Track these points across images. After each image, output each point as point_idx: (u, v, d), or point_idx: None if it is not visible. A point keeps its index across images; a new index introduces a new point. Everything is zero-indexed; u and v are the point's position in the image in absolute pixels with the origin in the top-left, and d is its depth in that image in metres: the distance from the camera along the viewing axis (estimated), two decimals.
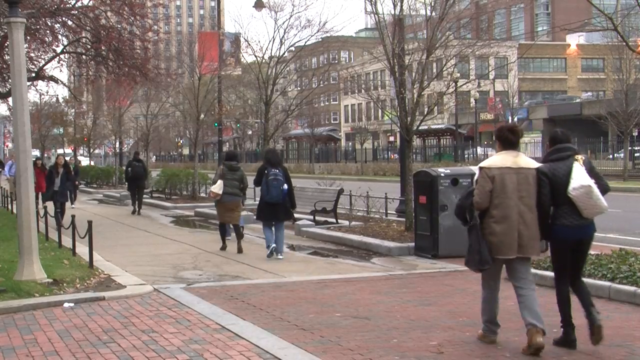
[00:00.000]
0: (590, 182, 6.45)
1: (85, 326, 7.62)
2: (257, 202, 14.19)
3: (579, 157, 6.63)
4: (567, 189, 6.47)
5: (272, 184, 12.74)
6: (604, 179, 6.74)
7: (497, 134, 6.96)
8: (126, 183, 25.15)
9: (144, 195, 24.16)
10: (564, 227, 6.56)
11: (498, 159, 6.73)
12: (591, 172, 6.57)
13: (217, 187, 13.92)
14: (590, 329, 6.48)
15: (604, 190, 6.57)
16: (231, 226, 14.36)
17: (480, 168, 6.78)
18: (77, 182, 25.95)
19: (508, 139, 6.79)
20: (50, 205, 18.90)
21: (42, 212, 15.64)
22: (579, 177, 6.46)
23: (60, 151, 62.35)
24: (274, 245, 12.74)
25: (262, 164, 13.57)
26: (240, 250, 13.47)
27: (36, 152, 57.46)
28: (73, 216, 13.09)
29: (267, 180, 12.78)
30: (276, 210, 12.87)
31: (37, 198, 24.23)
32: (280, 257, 12.72)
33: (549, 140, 6.94)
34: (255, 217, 14.08)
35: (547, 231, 6.66)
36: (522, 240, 6.59)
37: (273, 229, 12.94)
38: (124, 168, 26.62)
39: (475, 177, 6.86)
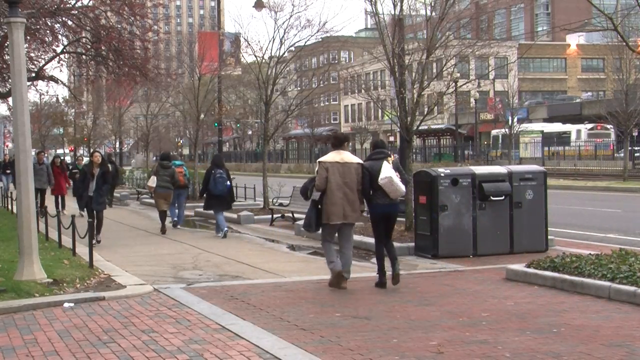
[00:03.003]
0: (392, 174, 9.42)
1: (85, 326, 7.62)
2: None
3: (390, 158, 9.68)
4: (378, 179, 9.44)
5: (219, 180, 16.20)
6: (406, 175, 9.98)
7: (331, 139, 10.20)
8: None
9: (146, 196, 24.83)
10: (378, 205, 9.71)
11: (330, 156, 9.80)
12: (397, 169, 9.68)
13: (152, 182, 17.46)
14: (392, 275, 9.57)
15: (406, 181, 9.88)
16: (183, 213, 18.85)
17: (319, 162, 9.77)
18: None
19: (335, 143, 9.95)
20: (67, 208, 18.67)
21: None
22: (385, 171, 9.42)
23: (60, 151, 62.29)
24: (226, 229, 16.11)
25: (209, 166, 17.15)
26: (163, 232, 16.91)
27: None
28: (73, 216, 13.09)
29: (215, 178, 16.23)
30: (221, 201, 16.46)
31: (57, 201, 22.35)
32: (226, 230, 16.22)
33: (372, 145, 10.23)
34: (203, 208, 17.69)
35: (368, 205, 9.80)
36: (345, 212, 9.60)
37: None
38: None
39: (316, 169, 9.73)
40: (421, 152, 61.45)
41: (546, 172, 13.76)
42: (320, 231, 10.07)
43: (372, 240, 13.71)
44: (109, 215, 22.09)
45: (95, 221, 14.39)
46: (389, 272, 9.71)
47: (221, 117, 30.27)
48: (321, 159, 9.88)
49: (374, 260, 12.45)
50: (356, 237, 14.21)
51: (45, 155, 25.74)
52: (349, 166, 9.66)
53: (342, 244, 9.93)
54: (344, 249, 9.87)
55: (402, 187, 9.56)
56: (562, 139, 53.77)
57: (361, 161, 9.92)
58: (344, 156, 9.77)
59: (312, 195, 9.75)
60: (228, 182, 16.58)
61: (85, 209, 14.98)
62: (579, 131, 55.73)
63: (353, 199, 9.63)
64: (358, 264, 12.21)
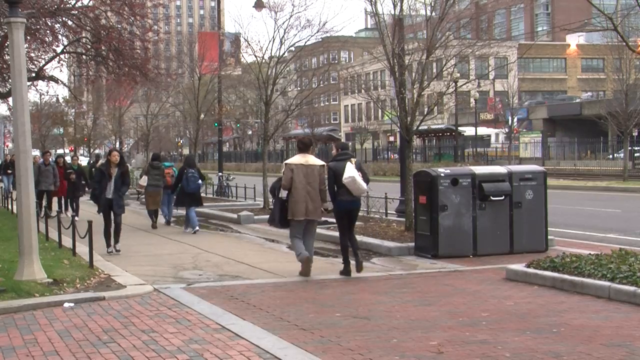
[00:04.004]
0: (355, 174, 10.47)
1: (85, 326, 7.63)
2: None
3: (352, 159, 10.73)
4: (342, 178, 10.47)
5: (191, 179, 17.13)
6: (367, 174, 10.96)
7: (298, 143, 11.19)
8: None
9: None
10: (342, 201, 10.68)
11: (295, 158, 10.83)
12: (360, 169, 10.71)
13: (143, 181, 18.73)
14: (356, 264, 10.65)
15: (367, 180, 10.76)
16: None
17: (285, 164, 10.78)
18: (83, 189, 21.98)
19: (300, 147, 10.99)
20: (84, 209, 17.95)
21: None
22: (348, 171, 10.47)
23: (60, 151, 62.25)
24: (197, 228, 17.13)
25: (181, 166, 18.08)
26: (154, 227, 18.25)
27: (36, 152, 57.41)
28: (73, 216, 13.09)
29: (187, 177, 17.16)
30: (194, 199, 17.40)
31: (60, 203, 21.33)
32: (197, 229, 17.16)
33: (337, 147, 11.31)
34: (174, 204, 18.58)
35: (333, 202, 10.73)
36: (308, 209, 10.57)
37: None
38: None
39: (283, 170, 10.72)
40: (421, 152, 61.38)
41: (546, 172, 13.77)
42: (286, 228, 11.16)
43: (372, 240, 13.88)
44: None
45: (114, 226, 13.57)
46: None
47: (221, 117, 30.26)
48: (287, 161, 10.99)
49: (374, 260, 12.61)
50: (356, 237, 14.27)
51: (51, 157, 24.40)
52: (312, 168, 10.71)
53: (306, 236, 10.84)
54: (307, 240, 10.82)
55: (364, 185, 10.66)
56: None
57: (324, 163, 10.95)
58: (309, 159, 10.82)
59: (280, 194, 10.76)
60: (200, 181, 17.74)
61: (102, 213, 13.67)
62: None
63: (315, 197, 10.65)
64: None
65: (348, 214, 10.85)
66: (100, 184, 13.65)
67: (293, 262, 12.39)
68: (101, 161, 17.55)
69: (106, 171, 13.62)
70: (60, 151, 61.02)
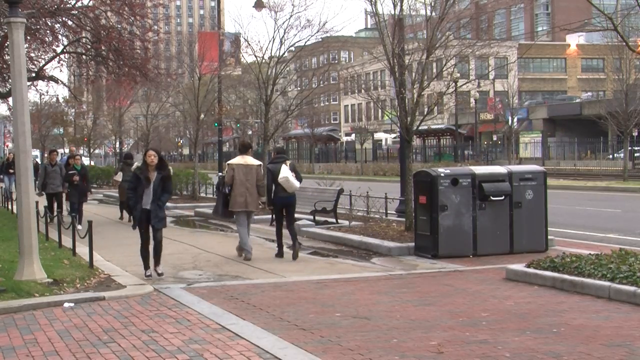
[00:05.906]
0: (289, 174, 12.40)
1: (85, 326, 7.63)
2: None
3: (287, 162, 12.65)
4: (278, 178, 12.38)
5: None
6: (300, 174, 12.89)
7: (238, 146, 13.61)
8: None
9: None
10: (278, 197, 12.65)
11: (236, 159, 12.68)
12: (293, 170, 12.60)
13: (118, 177, 20.84)
14: (293, 253, 12.53)
15: (300, 179, 12.71)
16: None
17: (228, 164, 12.67)
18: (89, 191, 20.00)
19: (241, 149, 12.95)
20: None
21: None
22: (283, 172, 12.39)
23: (60, 151, 62.17)
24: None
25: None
26: (121, 218, 20.40)
27: (36, 152, 57.49)
28: (73, 216, 13.09)
29: None
30: None
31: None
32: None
33: (275, 151, 13.87)
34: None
35: (270, 198, 12.79)
36: (246, 202, 12.52)
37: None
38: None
39: (225, 169, 12.72)
40: (421, 152, 61.40)
41: (546, 172, 13.76)
42: (227, 218, 13.48)
43: (372, 240, 13.92)
44: (108, 214, 22.11)
45: (153, 244, 10.93)
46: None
47: (221, 117, 30.26)
48: (229, 161, 12.83)
49: (374, 260, 12.65)
50: (355, 237, 14.30)
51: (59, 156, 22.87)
52: (250, 167, 12.56)
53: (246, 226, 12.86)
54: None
55: (297, 184, 12.58)
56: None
57: (261, 163, 12.91)
58: (247, 159, 12.63)
59: (223, 190, 12.65)
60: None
61: (137, 227, 11.01)
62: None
63: (253, 192, 12.56)
64: (358, 264, 12.24)
65: (285, 207, 12.82)
66: (135, 191, 10.91)
67: (293, 262, 12.42)
68: (137, 164, 14.95)
69: (143, 176, 10.87)
70: (61, 151, 60.98)
